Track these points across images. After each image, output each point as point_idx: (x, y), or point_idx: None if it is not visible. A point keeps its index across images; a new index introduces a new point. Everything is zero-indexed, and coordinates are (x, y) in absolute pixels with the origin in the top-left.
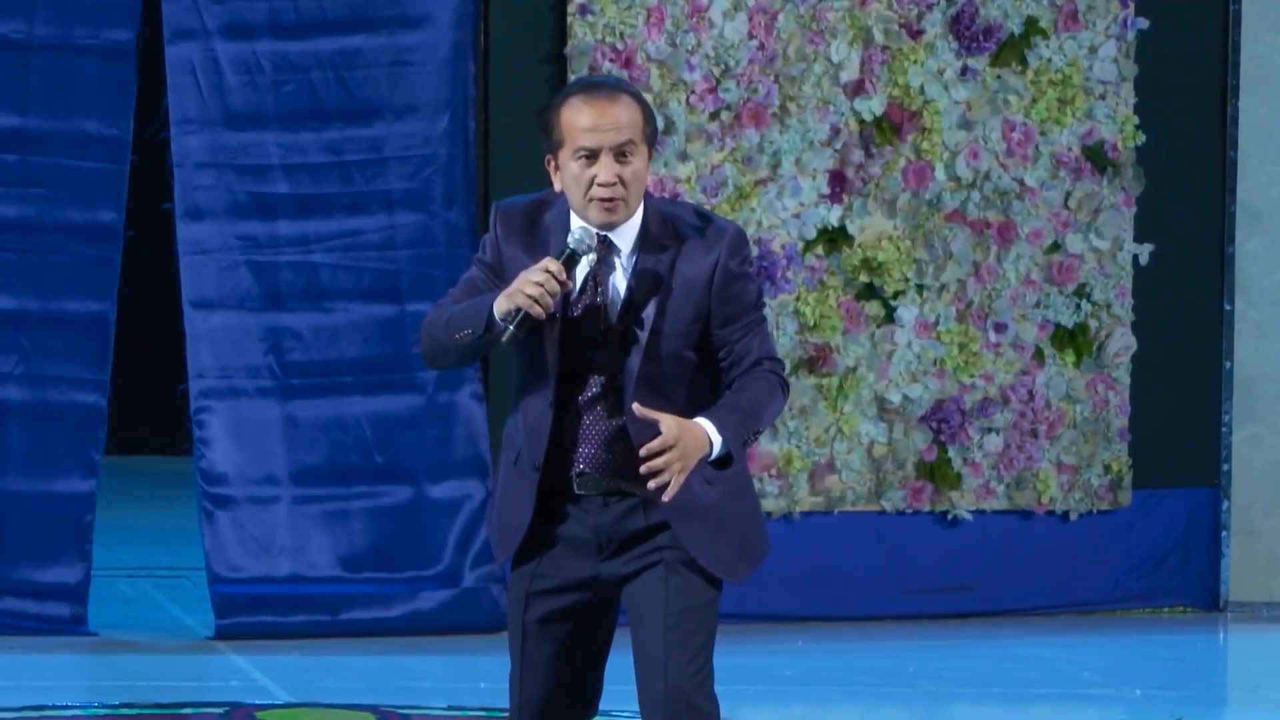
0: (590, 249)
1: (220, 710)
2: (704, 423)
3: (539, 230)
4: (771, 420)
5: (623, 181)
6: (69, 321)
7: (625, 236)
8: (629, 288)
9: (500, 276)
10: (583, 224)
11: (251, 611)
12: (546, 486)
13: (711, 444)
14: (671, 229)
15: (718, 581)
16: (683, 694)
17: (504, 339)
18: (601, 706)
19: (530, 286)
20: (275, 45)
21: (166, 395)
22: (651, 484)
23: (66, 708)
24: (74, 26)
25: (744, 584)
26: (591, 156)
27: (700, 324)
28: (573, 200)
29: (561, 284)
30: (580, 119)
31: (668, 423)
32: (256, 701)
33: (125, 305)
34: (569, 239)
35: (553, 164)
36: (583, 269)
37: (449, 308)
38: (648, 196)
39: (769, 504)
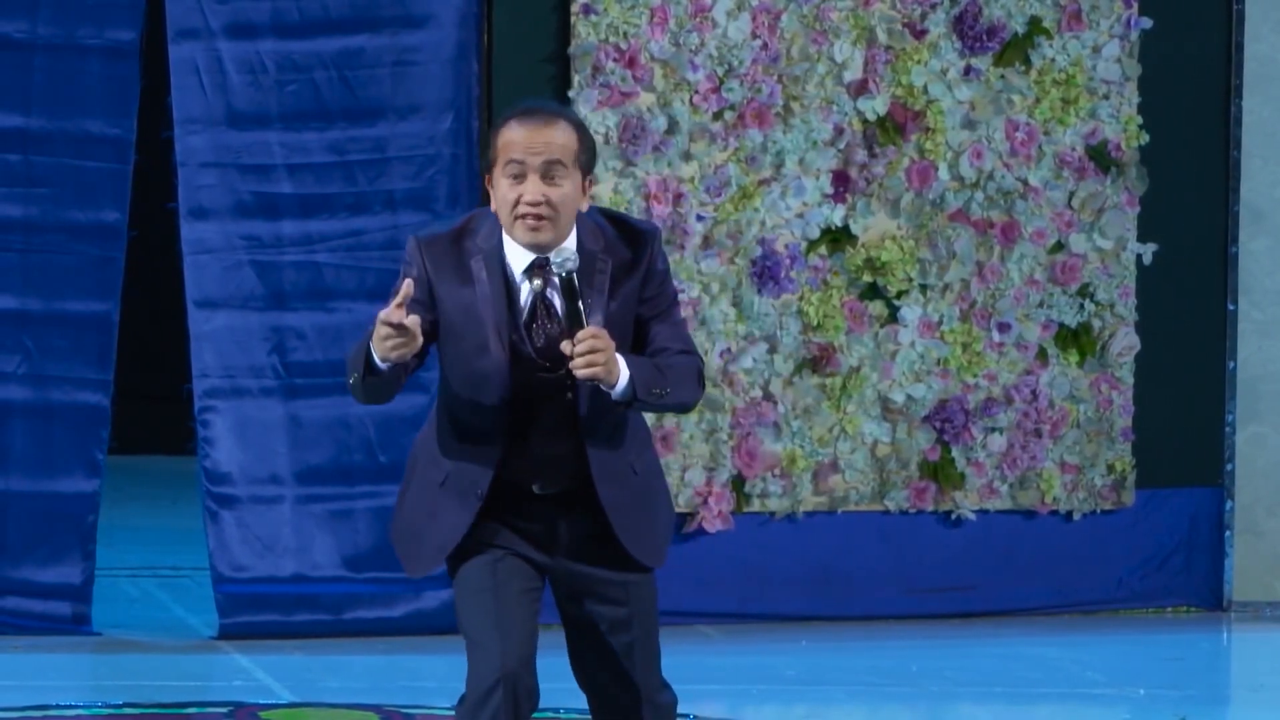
0: (575, 264)
1: (224, 710)
2: (619, 357)
3: (464, 259)
4: (683, 400)
5: (550, 202)
6: (72, 321)
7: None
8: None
9: (432, 310)
10: (566, 248)
11: (255, 611)
12: (494, 497)
13: (620, 376)
14: (601, 240)
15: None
16: (651, 697)
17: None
18: (584, 706)
19: (380, 342)
20: (279, 45)
21: (170, 395)
22: (577, 363)
23: (70, 707)
24: (77, 26)
25: (734, 580)
26: (520, 176)
27: (635, 326)
28: (502, 219)
29: (396, 326)
30: (513, 138)
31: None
32: (260, 701)
33: (128, 305)
34: (552, 266)
35: (490, 183)
36: (525, 295)
37: (351, 348)
38: (577, 215)
39: (773, 504)
